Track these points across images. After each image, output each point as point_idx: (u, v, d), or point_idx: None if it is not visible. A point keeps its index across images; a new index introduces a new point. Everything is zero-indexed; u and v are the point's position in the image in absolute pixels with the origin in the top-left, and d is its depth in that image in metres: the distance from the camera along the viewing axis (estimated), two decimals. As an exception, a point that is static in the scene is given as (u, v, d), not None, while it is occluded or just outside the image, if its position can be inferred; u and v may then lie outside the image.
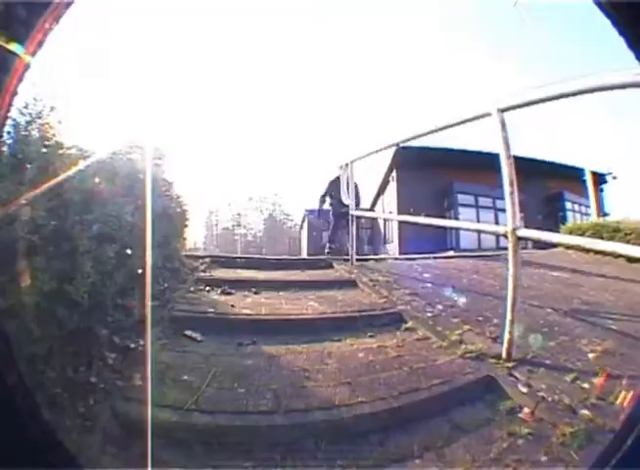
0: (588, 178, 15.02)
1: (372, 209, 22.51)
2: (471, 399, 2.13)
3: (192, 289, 3.72)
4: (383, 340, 2.83)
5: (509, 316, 2.44)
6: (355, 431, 1.84)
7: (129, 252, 2.50)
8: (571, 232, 10.09)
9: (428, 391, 2.12)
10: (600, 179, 16.77)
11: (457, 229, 14.03)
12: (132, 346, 2.33)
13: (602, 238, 8.63)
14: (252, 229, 44.05)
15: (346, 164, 6.35)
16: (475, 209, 16.36)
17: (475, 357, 2.47)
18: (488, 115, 2.76)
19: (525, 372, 2.27)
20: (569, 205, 17.04)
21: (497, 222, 15.72)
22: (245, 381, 2.17)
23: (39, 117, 2.34)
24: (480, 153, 13.01)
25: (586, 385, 2.14)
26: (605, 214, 9.39)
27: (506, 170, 2.56)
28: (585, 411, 1.88)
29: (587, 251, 5.09)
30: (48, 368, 1.71)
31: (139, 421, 1.68)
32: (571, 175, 15.69)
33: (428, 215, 4.85)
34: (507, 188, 2.55)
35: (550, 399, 2.01)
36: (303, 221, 27.78)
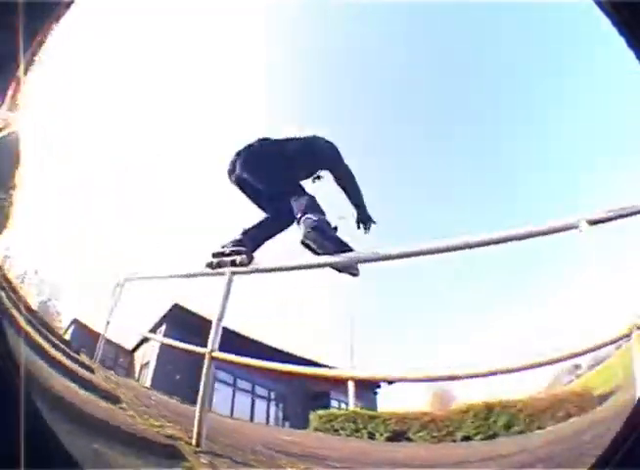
0: (350, 386, 17.12)
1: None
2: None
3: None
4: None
5: (198, 413, 2.87)
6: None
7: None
8: (320, 418, 10.96)
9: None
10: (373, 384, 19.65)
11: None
12: None
13: (355, 423, 9.91)
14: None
15: (118, 285, 5.55)
16: (232, 388, 16.74)
17: (164, 435, 2.69)
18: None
19: (211, 455, 2.59)
20: (334, 402, 18.86)
21: (253, 406, 16.44)
22: None
23: None
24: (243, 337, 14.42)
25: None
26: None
27: (215, 328, 3.32)
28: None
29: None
30: None
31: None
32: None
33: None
34: (215, 322, 3.34)
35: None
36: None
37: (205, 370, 3.10)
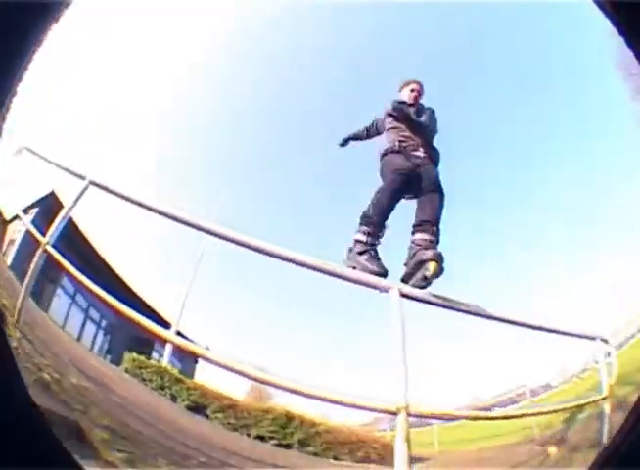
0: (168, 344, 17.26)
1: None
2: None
3: None
4: None
5: (22, 295, 3.31)
6: None
7: None
8: (133, 361, 10.52)
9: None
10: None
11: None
12: None
13: (162, 379, 9.18)
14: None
15: (18, 151, 5.05)
16: (71, 300, 16.34)
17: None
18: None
19: (22, 335, 3.15)
20: (156, 354, 18.84)
21: (83, 327, 16.11)
22: None
23: None
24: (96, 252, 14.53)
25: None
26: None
27: (57, 223, 3.44)
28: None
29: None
30: None
31: None
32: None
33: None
34: (59, 217, 3.45)
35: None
36: None
37: (35, 259, 3.28)
